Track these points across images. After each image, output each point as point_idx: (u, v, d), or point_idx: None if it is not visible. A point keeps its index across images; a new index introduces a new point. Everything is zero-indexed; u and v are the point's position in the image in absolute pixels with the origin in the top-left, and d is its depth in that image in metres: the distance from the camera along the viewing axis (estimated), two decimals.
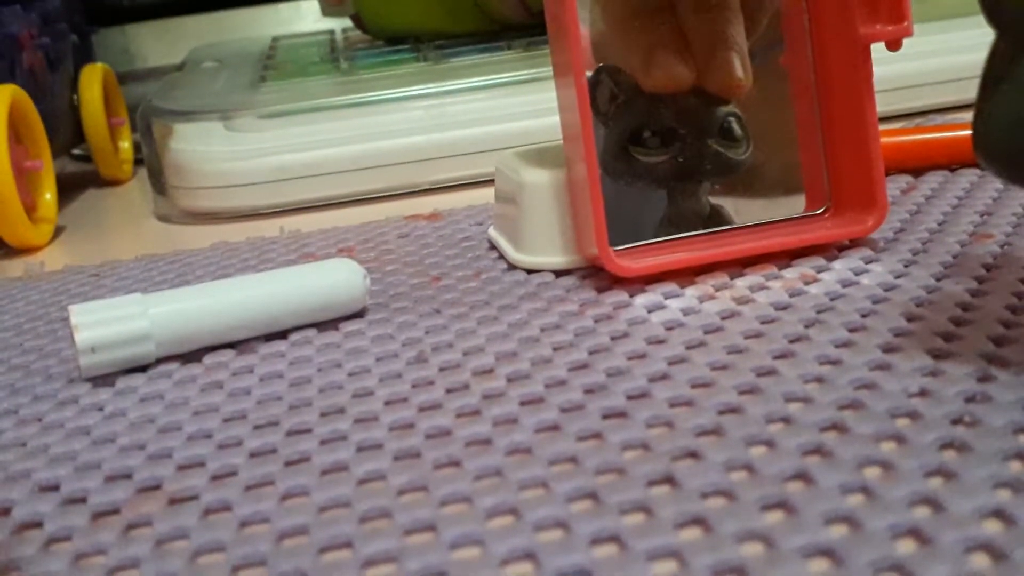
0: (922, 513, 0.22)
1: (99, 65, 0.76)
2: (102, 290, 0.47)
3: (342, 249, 0.49)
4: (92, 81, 0.73)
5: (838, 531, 0.21)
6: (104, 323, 0.35)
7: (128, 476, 0.28)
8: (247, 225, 0.58)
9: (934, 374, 0.28)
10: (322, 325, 0.38)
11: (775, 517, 0.22)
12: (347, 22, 0.89)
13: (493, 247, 0.46)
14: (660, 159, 0.44)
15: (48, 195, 0.61)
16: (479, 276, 0.42)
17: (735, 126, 0.43)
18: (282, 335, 0.37)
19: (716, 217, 0.45)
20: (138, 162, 0.79)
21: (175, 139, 0.60)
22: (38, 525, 0.26)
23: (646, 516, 0.23)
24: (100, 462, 0.29)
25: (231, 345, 0.37)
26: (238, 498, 0.26)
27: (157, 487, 0.27)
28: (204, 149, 0.59)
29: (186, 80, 0.76)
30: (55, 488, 0.28)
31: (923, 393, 0.27)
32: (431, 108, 0.61)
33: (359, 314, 0.39)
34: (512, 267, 0.43)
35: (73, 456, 0.29)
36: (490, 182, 0.57)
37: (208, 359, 0.36)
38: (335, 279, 0.38)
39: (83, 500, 0.27)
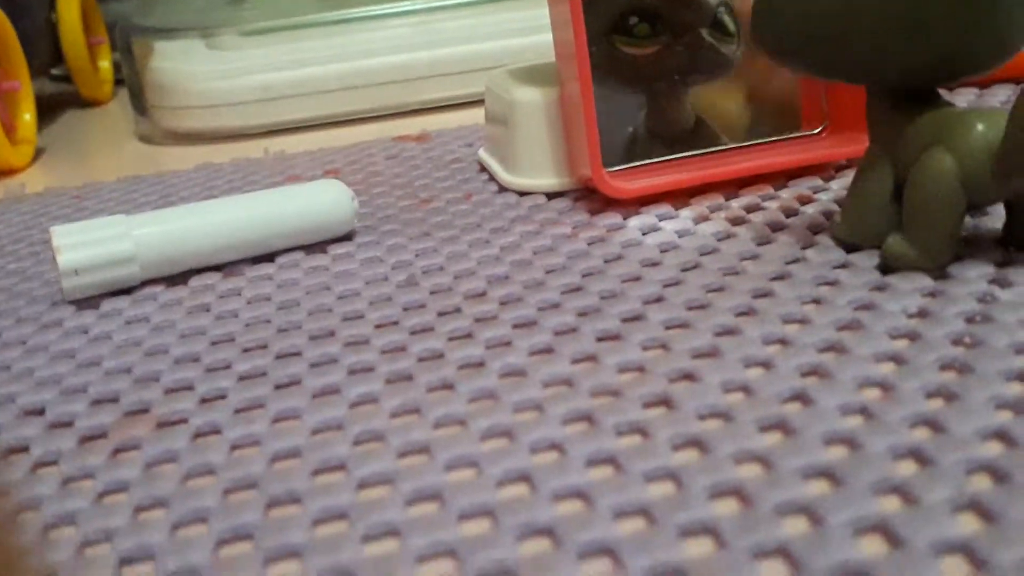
0: (922, 435, 0.21)
1: None
2: (84, 212, 0.46)
3: (328, 171, 0.48)
4: None
5: (838, 452, 0.21)
6: (87, 245, 0.34)
7: (115, 400, 0.27)
8: (231, 146, 0.56)
9: (934, 295, 0.27)
10: (310, 247, 0.37)
11: (773, 438, 0.22)
12: None
13: (484, 169, 0.46)
14: (647, 51, 0.41)
15: (27, 116, 0.60)
16: (470, 198, 0.41)
17: (727, 18, 0.41)
18: (269, 257, 0.37)
19: (701, 130, 0.43)
20: (119, 82, 0.78)
21: (155, 58, 0.59)
22: (24, 450, 0.25)
23: (642, 438, 0.23)
24: (86, 385, 0.28)
25: (217, 267, 0.36)
26: (228, 421, 0.25)
27: (145, 411, 0.26)
28: (185, 68, 0.57)
29: None
30: (40, 412, 0.27)
31: (923, 314, 0.27)
32: (418, 25, 0.60)
33: (347, 236, 0.38)
34: (503, 189, 0.42)
35: (58, 380, 0.29)
36: (480, 102, 0.55)
37: (194, 281, 0.35)
38: (323, 200, 0.37)
39: (70, 424, 0.26)
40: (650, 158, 0.41)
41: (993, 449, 0.21)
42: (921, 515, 0.19)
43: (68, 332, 0.32)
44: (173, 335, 0.31)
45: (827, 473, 0.21)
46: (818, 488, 0.20)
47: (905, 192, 0.29)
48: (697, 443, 0.22)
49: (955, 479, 0.20)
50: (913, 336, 0.25)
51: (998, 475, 0.20)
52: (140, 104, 0.60)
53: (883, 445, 0.21)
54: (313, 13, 0.60)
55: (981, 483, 0.20)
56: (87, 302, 0.34)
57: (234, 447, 0.24)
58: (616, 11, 0.40)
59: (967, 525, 0.19)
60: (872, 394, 0.23)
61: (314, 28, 0.59)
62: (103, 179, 0.52)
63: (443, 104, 0.59)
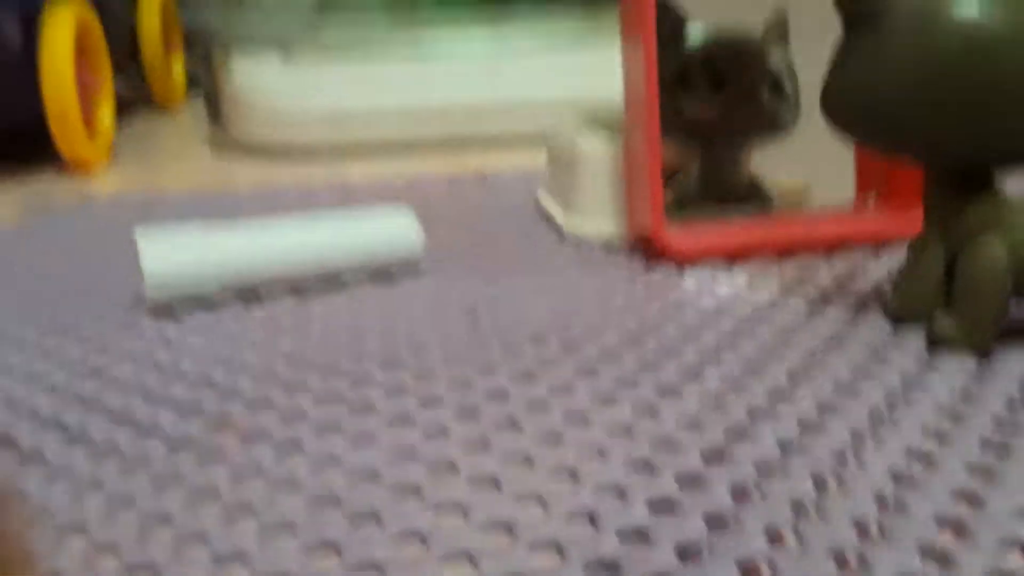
0: (962, 509, 0.23)
1: None
2: (155, 218, 0.48)
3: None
4: (152, 1, 0.74)
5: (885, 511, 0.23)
6: (170, 252, 0.36)
7: (199, 411, 0.29)
8: (297, 168, 0.59)
9: (977, 377, 0.29)
10: (377, 276, 0.39)
11: (824, 489, 0.24)
12: None
13: (542, 211, 0.47)
14: (707, 107, 0.42)
15: (105, 112, 0.62)
16: (529, 239, 0.43)
17: (787, 82, 0.43)
18: (338, 282, 0.39)
19: (754, 190, 0.45)
20: (191, 87, 0.81)
21: (232, 70, 0.61)
22: (115, 451, 0.27)
23: (698, 485, 0.24)
24: (172, 395, 0.30)
25: (288, 286, 0.38)
26: (309, 437, 0.27)
27: (228, 421, 0.28)
28: (260, 82, 0.60)
29: (244, 9, 0.76)
30: (130, 417, 0.29)
31: (966, 395, 0.28)
32: (487, 63, 0.62)
33: (413, 268, 0.40)
34: (562, 233, 0.44)
35: (144, 387, 0.31)
36: (537, 141, 0.57)
37: (268, 299, 0.37)
38: (393, 231, 0.39)
39: (158, 427, 0.28)
40: (702, 213, 0.42)
41: None
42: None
43: (150, 340, 0.34)
44: (252, 351, 0.33)
45: (876, 523, 0.22)
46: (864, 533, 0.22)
47: (956, 274, 0.30)
48: (750, 489, 0.24)
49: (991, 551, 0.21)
50: (956, 417, 0.27)
51: None
52: (214, 113, 0.63)
53: (926, 511, 0.23)
54: (386, 43, 0.63)
55: (1013, 559, 0.21)
56: (165, 308, 0.36)
57: (315, 463, 0.26)
58: (679, 65, 0.42)
59: None
60: (915, 466, 0.25)
61: (387, 57, 0.61)
62: (172, 184, 0.55)
63: (502, 141, 0.61)
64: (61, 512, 0.24)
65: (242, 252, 0.37)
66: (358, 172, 0.56)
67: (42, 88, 0.54)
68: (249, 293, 0.38)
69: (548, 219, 0.46)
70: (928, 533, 0.22)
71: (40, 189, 0.55)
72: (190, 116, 0.75)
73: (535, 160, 0.56)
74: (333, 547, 0.22)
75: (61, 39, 0.55)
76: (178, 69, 0.79)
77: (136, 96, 0.76)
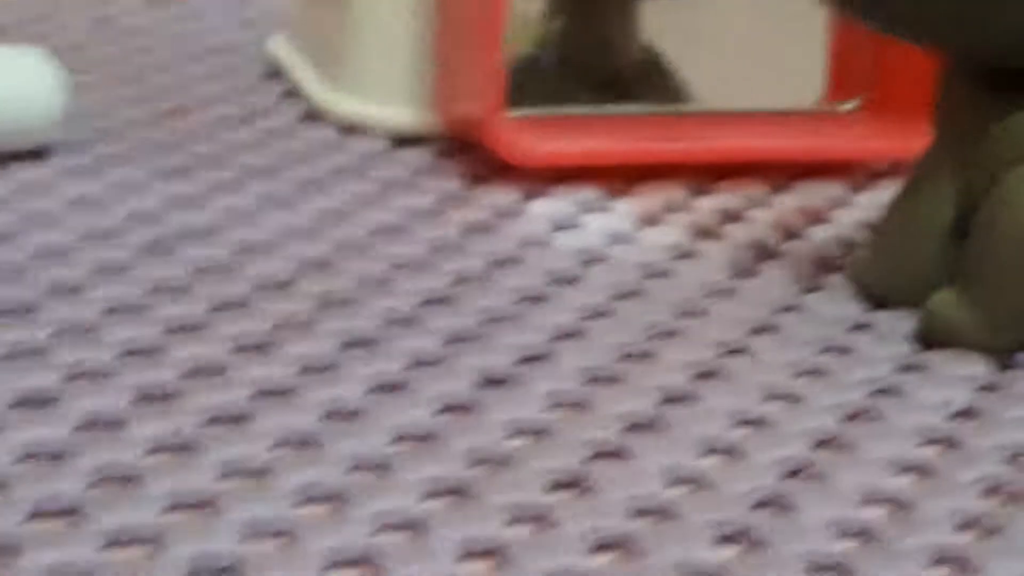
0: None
1: None
2: None
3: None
4: None
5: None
6: None
7: None
8: None
9: (990, 388, 0.36)
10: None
11: (732, 551, 0.30)
12: None
13: (281, 71, 0.52)
14: None
15: None
16: (254, 120, 0.48)
17: None
18: None
19: (652, 72, 0.50)
20: None
21: None
22: None
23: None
24: None
25: None
26: None
27: None
28: None
29: None
30: None
31: (969, 413, 0.35)
32: None
33: (44, 151, 0.44)
34: (317, 115, 0.49)
35: None
36: None
37: None
38: (18, 86, 0.43)
39: None
40: (571, 103, 0.48)
41: None
42: None
43: None
44: None
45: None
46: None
47: (974, 228, 0.37)
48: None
49: None
50: (951, 443, 0.34)
51: None
52: None
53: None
54: None
55: None
56: None
57: None
58: None
59: None
60: (876, 512, 0.31)
61: None
62: None
63: None
64: None
65: None
66: None
67: None
68: None
69: (292, 88, 0.50)
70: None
71: None
72: None
73: None
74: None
75: None
76: None
77: None
